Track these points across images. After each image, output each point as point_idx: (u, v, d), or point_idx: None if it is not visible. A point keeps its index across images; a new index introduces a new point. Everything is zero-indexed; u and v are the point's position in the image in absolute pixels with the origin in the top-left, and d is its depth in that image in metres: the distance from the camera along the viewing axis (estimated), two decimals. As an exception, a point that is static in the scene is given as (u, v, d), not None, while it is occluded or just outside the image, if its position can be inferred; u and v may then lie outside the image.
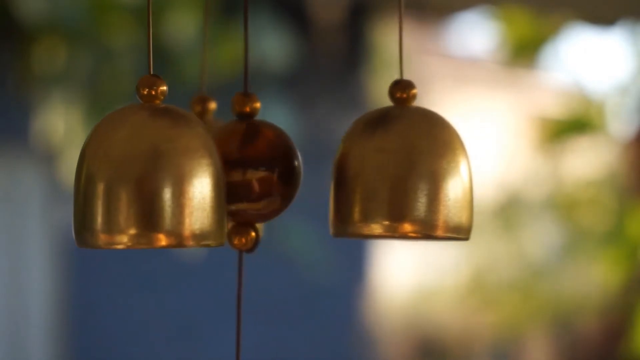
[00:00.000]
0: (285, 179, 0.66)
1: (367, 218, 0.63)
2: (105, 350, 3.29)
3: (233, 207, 0.65)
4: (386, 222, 0.63)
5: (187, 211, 0.59)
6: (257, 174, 0.65)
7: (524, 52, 2.88)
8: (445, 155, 0.63)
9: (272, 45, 2.31)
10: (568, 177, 4.48)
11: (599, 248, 3.61)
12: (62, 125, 2.14)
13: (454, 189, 0.63)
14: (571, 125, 3.03)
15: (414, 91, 0.66)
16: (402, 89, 0.66)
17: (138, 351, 3.32)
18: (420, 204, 0.63)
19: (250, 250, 0.67)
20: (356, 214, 0.64)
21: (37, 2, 2.02)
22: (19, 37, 2.26)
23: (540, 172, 4.70)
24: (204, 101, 0.78)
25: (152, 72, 0.64)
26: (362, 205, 0.63)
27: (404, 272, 4.91)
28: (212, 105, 0.78)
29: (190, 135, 0.60)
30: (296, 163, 0.67)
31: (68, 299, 3.21)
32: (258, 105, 0.68)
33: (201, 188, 0.60)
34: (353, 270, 3.65)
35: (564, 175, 4.52)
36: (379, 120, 0.65)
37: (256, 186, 0.65)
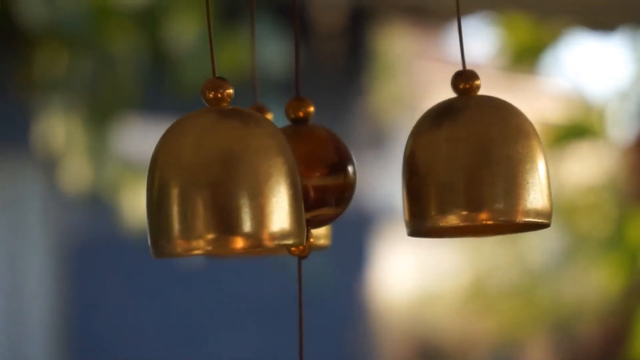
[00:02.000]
0: (340, 184, 0.65)
1: (444, 210, 0.62)
2: (105, 354, 3.29)
3: (315, 213, 0.64)
4: (464, 212, 0.61)
5: (265, 211, 0.58)
6: (313, 179, 0.64)
7: (525, 57, 2.88)
8: (518, 140, 0.62)
9: (272, 51, 2.31)
10: (568, 183, 4.48)
11: (599, 253, 3.60)
12: (63, 131, 2.15)
13: (530, 173, 0.62)
14: (571, 131, 3.03)
15: (478, 82, 0.65)
16: (465, 80, 0.65)
17: (138, 355, 3.32)
18: (498, 191, 0.61)
19: (306, 256, 0.67)
20: (432, 208, 0.62)
21: (38, 8, 2.03)
22: (20, 43, 2.26)
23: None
24: (262, 110, 0.75)
25: (215, 75, 0.62)
26: (438, 197, 0.62)
27: (404, 277, 4.91)
28: (269, 115, 0.75)
29: (262, 135, 0.59)
30: (351, 169, 0.66)
31: (68, 304, 3.21)
32: (311, 109, 0.68)
33: (277, 187, 0.59)
34: (353, 275, 3.65)
35: (564, 180, 4.52)
36: (445, 112, 0.64)
37: (311, 192, 0.64)
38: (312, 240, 0.66)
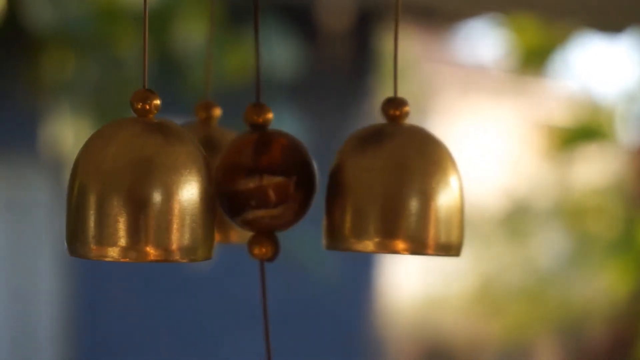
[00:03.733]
0: (301, 186, 0.66)
1: (358, 234, 0.64)
2: (112, 357, 3.29)
3: (250, 216, 0.66)
4: (377, 239, 0.63)
5: (174, 226, 0.60)
6: (273, 181, 0.65)
7: (533, 60, 2.88)
8: (435, 174, 0.64)
9: (279, 53, 2.31)
10: (576, 185, 4.47)
11: (606, 256, 3.60)
12: (71, 134, 2.15)
13: (443, 207, 0.64)
14: (579, 133, 3.02)
15: (407, 109, 0.66)
16: (395, 106, 0.66)
17: (144, 358, 3.32)
18: (410, 223, 0.63)
19: (271, 259, 0.67)
20: (348, 230, 0.64)
21: (45, 12, 2.03)
22: (27, 46, 2.26)
23: (548, 180, 4.69)
24: (208, 107, 0.78)
25: (146, 86, 0.65)
26: (353, 221, 0.64)
27: (411, 280, 4.90)
28: (217, 111, 0.78)
29: (180, 152, 0.61)
30: (312, 171, 0.67)
31: (75, 306, 3.21)
32: (270, 115, 0.69)
33: (189, 204, 0.61)
34: (360, 278, 3.64)
35: (572, 182, 4.51)
36: (372, 138, 0.65)
37: (272, 194, 0.65)
38: (277, 243, 0.68)
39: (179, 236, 0.60)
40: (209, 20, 2.14)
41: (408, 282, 4.86)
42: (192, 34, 2.16)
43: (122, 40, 2.16)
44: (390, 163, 0.64)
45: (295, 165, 0.66)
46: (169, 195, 0.60)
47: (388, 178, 0.63)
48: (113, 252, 0.60)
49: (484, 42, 4.49)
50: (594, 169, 4.29)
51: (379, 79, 3.64)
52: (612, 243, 3.36)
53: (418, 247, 0.63)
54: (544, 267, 4.93)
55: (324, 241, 0.67)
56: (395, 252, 0.64)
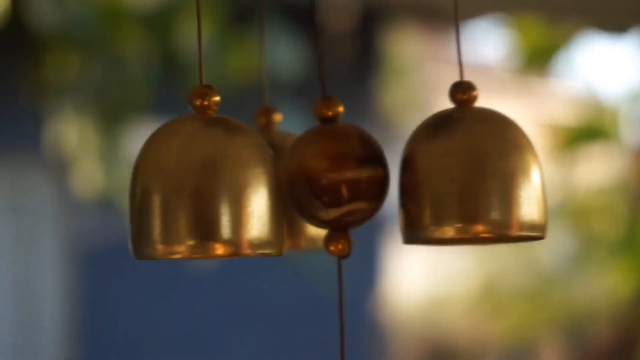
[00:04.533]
0: (375, 182, 0.65)
1: (438, 221, 0.62)
2: (115, 357, 3.29)
3: (328, 215, 0.65)
4: (458, 225, 0.62)
5: (242, 220, 0.59)
6: (351, 176, 0.64)
7: (537, 59, 2.87)
8: (512, 154, 0.63)
9: (283, 53, 2.31)
10: (579, 185, 4.46)
11: (611, 256, 3.59)
12: (74, 134, 2.14)
13: (524, 186, 0.63)
14: (583, 133, 3.02)
15: (475, 93, 0.66)
16: (463, 90, 0.66)
17: (147, 356, 3.32)
18: (492, 204, 0.62)
19: (346, 256, 0.66)
20: (427, 218, 0.63)
21: (48, 12, 2.03)
22: (31, 47, 2.26)
23: (552, 180, 4.69)
24: (268, 112, 0.76)
25: (203, 83, 0.63)
26: (432, 209, 0.62)
27: (415, 280, 4.90)
28: (277, 117, 0.76)
29: (244, 145, 0.60)
30: (385, 166, 0.66)
31: (79, 307, 3.21)
32: (341, 109, 0.69)
33: (256, 197, 0.60)
34: (364, 278, 3.64)
35: (576, 183, 4.50)
36: (442, 124, 0.64)
37: (346, 192, 0.64)
38: (351, 240, 0.66)
39: (248, 230, 0.59)
40: (213, 21, 2.14)
41: (412, 282, 4.85)
42: (196, 34, 2.15)
43: (125, 41, 2.16)
44: (466, 146, 0.62)
45: (369, 159, 0.65)
46: (235, 189, 0.59)
47: (465, 161, 0.62)
48: (181, 249, 0.59)
49: (488, 41, 4.49)
50: (597, 169, 4.28)
51: (382, 78, 3.64)
52: (616, 243, 3.36)
53: (501, 229, 0.62)
54: (547, 267, 4.92)
55: (402, 236, 0.65)
56: (477, 236, 0.62)
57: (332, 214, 0.65)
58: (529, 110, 5.16)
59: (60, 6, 2.05)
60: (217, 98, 0.63)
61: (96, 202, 2.35)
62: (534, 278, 4.93)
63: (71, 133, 2.15)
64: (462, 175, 0.62)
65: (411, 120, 4.06)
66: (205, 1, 2.19)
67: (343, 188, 0.64)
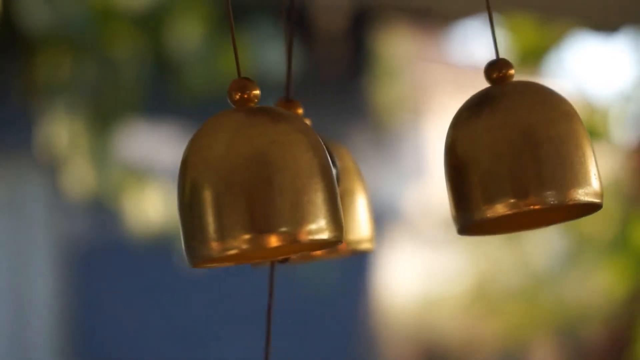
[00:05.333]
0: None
1: (490, 200, 0.61)
2: (108, 357, 3.29)
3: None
4: (511, 200, 0.60)
5: (298, 208, 0.57)
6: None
7: (528, 59, 2.87)
8: (559, 122, 0.61)
9: (275, 54, 2.31)
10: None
11: (603, 256, 3.59)
12: (66, 135, 2.14)
13: (575, 153, 0.61)
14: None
15: (512, 71, 0.64)
16: (498, 69, 0.64)
17: (142, 358, 3.32)
18: (543, 175, 0.60)
19: (284, 260, 0.66)
20: (478, 199, 0.61)
21: (41, 13, 2.02)
22: (23, 48, 2.26)
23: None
24: (290, 106, 0.74)
25: (240, 76, 0.62)
26: (483, 187, 0.61)
27: (408, 281, 4.90)
28: (299, 110, 0.74)
29: (290, 131, 0.59)
30: (334, 171, 0.65)
31: (72, 307, 3.20)
32: (300, 111, 0.68)
33: (309, 183, 0.58)
34: (358, 279, 3.64)
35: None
36: (483, 101, 0.63)
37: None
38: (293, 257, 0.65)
39: (304, 216, 0.57)
40: (206, 22, 2.14)
41: (405, 283, 4.85)
42: (188, 35, 2.15)
43: (117, 42, 2.16)
44: (510, 119, 0.61)
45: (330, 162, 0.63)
46: (288, 177, 0.57)
47: (513, 133, 0.60)
48: (237, 244, 0.57)
49: (479, 41, 4.49)
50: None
51: (374, 78, 3.64)
52: (608, 243, 3.36)
53: (556, 197, 0.60)
54: (540, 267, 4.93)
55: (456, 225, 0.63)
56: (532, 208, 0.60)
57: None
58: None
59: (52, 7, 2.05)
60: (257, 91, 0.61)
61: (88, 201, 2.35)
62: (527, 278, 4.94)
63: (63, 134, 2.15)
64: (510, 149, 0.60)
65: (403, 120, 4.06)
66: (197, 2, 2.19)
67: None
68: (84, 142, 2.13)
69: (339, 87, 3.56)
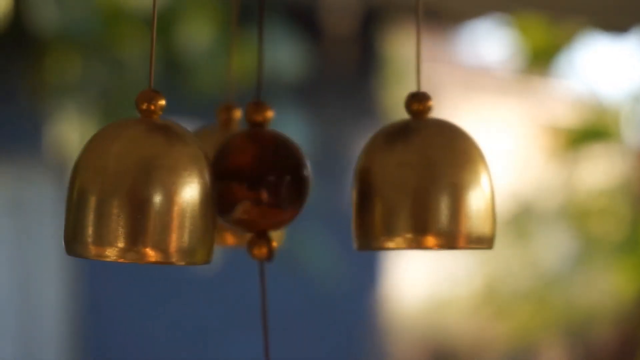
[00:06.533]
0: (293, 187, 0.66)
1: (390, 232, 0.63)
2: (114, 356, 3.29)
3: (240, 215, 0.66)
4: (409, 236, 0.63)
5: (173, 228, 0.60)
6: (264, 181, 0.65)
7: (538, 60, 2.87)
8: (465, 167, 0.64)
9: (285, 55, 2.31)
10: (581, 186, 4.46)
11: (612, 257, 3.59)
12: (76, 136, 2.14)
13: (475, 200, 0.64)
14: (585, 134, 3.02)
15: (430, 103, 0.66)
16: (418, 101, 0.66)
17: (147, 358, 3.32)
18: (443, 217, 0.63)
19: (268, 259, 0.67)
20: (379, 228, 0.64)
21: (50, 13, 2.02)
22: (33, 48, 2.26)
23: (554, 181, 4.68)
24: (229, 110, 0.78)
25: (152, 87, 0.64)
26: (385, 219, 0.64)
27: (417, 282, 4.89)
28: (237, 113, 0.78)
29: (181, 153, 0.61)
30: (305, 172, 0.67)
31: (80, 307, 3.21)
32: (270, 114, 0.69)
33: (188, 206, 0.60)
34: (366, 280, 3.64)
35: (577, 184, 4.50)
36: (398, 134, 0.65)
37: (264, 195, 0.65)
38: (274, 244, 0.67)
39: (178, 238, 0.60)
40: (214, 23, 2.14)
41: (414, 284, 4.85)
42: (198, 35, 2.15)
43: (127, 42, 2.16)
44: (420, 158, 0.63)
45: (287, 165, 0.66)
46: (169, 197, 0.60)
47: (418, 173, 0.63)
48: (111, 253, 0.59)
49: (489, 42, 4.49)
50: (599, 170, 4.28)
51: (383, 79, 3.64)
52: (618, 244, 3.35)
53: (450, 242, 0.63)
54: (549, 268, 4.92)
55: (354, 242, 0.67)
56: (427, 247, 0.63)
57: (248, 215, 0.65)
58: (531, 111, 5.16)
59: (62, 7, 2.05)
60: (163, 102, 0.63)
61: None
62: (536, 279, 4.93)
63: (72, 134, 2.15)
64: (416, 186, 0.63)
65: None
66: (206, 3, 2.19)
67: (262, 191, 0.65)
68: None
69: (347, 87, 3.56)
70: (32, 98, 2.41)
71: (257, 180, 0.65)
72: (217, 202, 0.65)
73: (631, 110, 3.22)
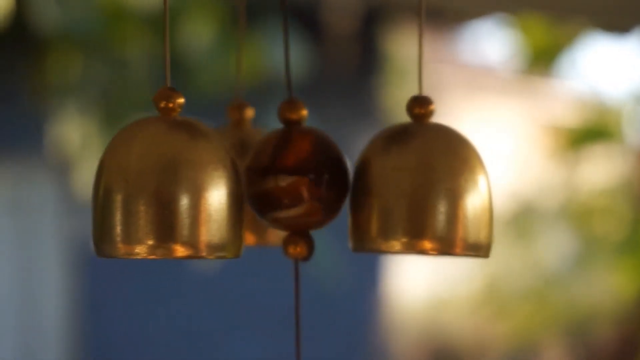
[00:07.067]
0: (332, 184, 0.65)
1: (385, 235, 0.63)
2: (115, 355, 3.29)
3: (280, 215, 0.65)
4: (404, 239, 0.63)
5: (201, 223, 0.60)
6: (303, 179, 0.65)
7: (540, 60, 2.87)
8: (462, 173, 0.63)
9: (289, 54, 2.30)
10: (583, 186, 4.46)
11: (613, 257, 3.59)
12: (77, 135, 2.14)
13: (472, 206, 0.63)
14: (586, 134, 3.01)
15: (432, 107, 0.66)
16: (420, 105, 0.66)
17: (148, 357, 3.32)
18: (439, 222, 0.63)
19: (306, 258, 0.67)
20: (375, 231, 0.64)
21: (51, 12, 2.02)
22: (34, 47, 2.26)
23: (555, 181, 4.68)
24: (241, 108, 0.78)
25: (169, 85, 0.64)
26: (381, 222, 0.64)
27: (418, 282, 4.89)
28: (250, 112, 0.77)
29: (205, 149, 0.61)
30: (343, 168, 0.66)
31: (81, 308, 3.21)
32: (305, 112, 0.68)
33: (215, 200, 0.61)
34: (367, 280, 3.64)
35: (579, 183, 4.50)
36: (397, 137, 0.65)
37: (303, 192, 0.65)
38: (312, 242, 0.67)
39: (206, 233, 0.60)
40: (218, 22, 2.13)
41: (414, 284, 4.85)
42: (199, 34, 2.15)
43: (128, 42, 2.16)
44: (418, 162, 0.63)
45: (325, 162, 0.65)
46: (195, 192, 0.60)
47: (416, 177, 0.63)
48: (141, 250, 0.60)
49: (491, 42, 4.49)
50: (601, 170, 4.28)
51: (384, 79, 3.63)
52: (619, 244, 3.35)
53: (446, 247, 0.63)
54: (550, 268, 4.92)
55: (350, 243, 0.66)
56: (422, 252, 0.63)
57: (288, 214, 0.65)
58: (532, 110, 5.16)
59: (63, 7, 2.05)
60: (182, 100, 0.63)
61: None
62: (537, 279, 4.93)
63: (73, 133, 2.15)
64: (412, 190, 0.63)
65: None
66: (208, 2, 2.19)
67: (301, 190, 0.65)
68: (94, 143, 2.13)
69: (348, 87, 3.55)
70: (33, 97, 2.41)
71: (291, 179, 0.65)
72: (254, 203, 0.66)
73: (632, 110, 3.22)
